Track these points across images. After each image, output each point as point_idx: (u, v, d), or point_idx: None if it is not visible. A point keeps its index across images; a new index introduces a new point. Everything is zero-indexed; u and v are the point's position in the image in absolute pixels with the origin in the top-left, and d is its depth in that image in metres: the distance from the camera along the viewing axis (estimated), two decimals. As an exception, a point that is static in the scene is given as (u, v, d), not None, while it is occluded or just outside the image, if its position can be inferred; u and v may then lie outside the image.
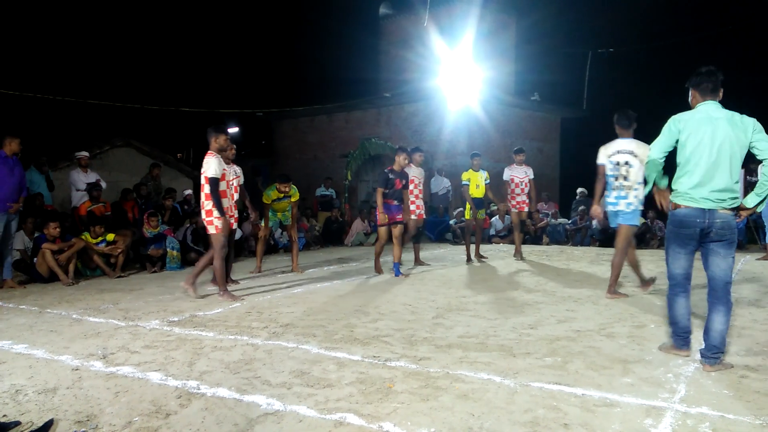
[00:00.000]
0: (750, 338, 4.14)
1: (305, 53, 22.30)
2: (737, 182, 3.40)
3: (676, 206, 3.51)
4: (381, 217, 7.35)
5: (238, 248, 9.23)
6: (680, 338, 3.67)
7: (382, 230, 7.47)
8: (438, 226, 12.86)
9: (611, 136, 5.62)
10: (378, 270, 7.71)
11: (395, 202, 7.39)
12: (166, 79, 24.05)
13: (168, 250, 8.73)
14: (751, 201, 3.44)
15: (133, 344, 4.34)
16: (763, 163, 3.38)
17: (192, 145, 21.85)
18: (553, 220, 12.52)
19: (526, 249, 10.55)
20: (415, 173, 8.19)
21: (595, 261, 8.85)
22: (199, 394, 3.26)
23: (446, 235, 12.66)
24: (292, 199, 8.14)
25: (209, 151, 5.96)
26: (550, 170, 17.96)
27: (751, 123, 3.42)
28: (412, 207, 8.10)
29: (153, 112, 16.81)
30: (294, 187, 8.15)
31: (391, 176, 7.32)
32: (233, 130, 21.44)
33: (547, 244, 11.77)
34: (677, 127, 3.52)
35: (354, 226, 12.96)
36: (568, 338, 4.27)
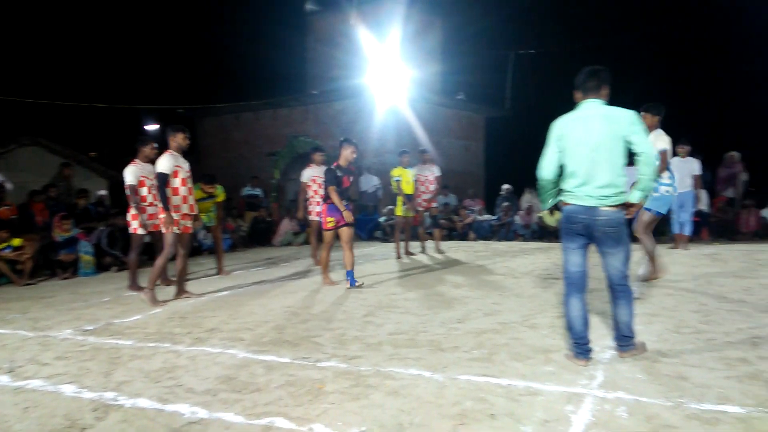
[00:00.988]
0: (660, 324, 4.41)
1: (229, 48, 21.66)
2: (622, 177, 3.34)
3: (565, 204, 3.50)
4: (328, 219, 6.53)
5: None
6: (577, 346, 3.50)
7: (329, 235, 6.60)
8: (368, 224, 12.90)
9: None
10: (328, 281, 6.73)
11: (344, 202, 6.62)
12: (79, 73, 22.67)
13: (81, 254, 8.23)
14: (635, 196, 3.38)
15: (44, 356, 4.05)
16: (638, 157, 3.32)
17: (108, 143, 20.75)
18: (478, 217, 12.86)
19: (453, 245, 10.77)
20: (317, 173, 8.21)
21: (518, 255, 9.16)
22: (116, 406, 3.09)
23: (376, 233, 12.72)
24: (218, 199, 7.91)
25: (167, 150, 5.92)
26: (476, 168, 18.44)
27: (626, 116, 3.35)
28: (318, 209, 8.10)
29: (64, 109, 15.80)
30: (220, 187, 7.92)
31: (339, 173, 6.57)
32: (153, 127, 20.54)
33: (474, 240, 12.08)
34: (556, 132, 3.50)
35: (282, 225, 12.76)
36: (494, 331, 4.38)
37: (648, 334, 4.14)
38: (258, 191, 14.11)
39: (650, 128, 5.74)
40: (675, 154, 9.32)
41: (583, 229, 3.40)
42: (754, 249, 9.15)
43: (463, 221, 12.67)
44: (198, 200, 7.58)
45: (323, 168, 8.39)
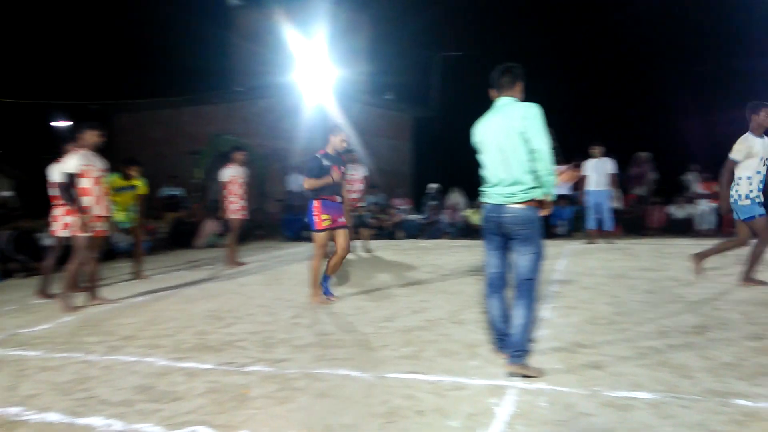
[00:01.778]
0: (577, 317, 4.61)
1: (147, 39, 20.62)
2: (529, 174, 3.21)
3: (484, 203, 3.43)
4: (318, 219, 5.38)
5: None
6: (499, 340, 3.49)
7: (322, 237, 5.42)
8: (295, 224, 12.72)
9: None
10: (319, 299, 5.48)
11: (338, 199, 5.48)
12: (-22, 64, 20.91)
13: (-18, 260, 7.59)
14: (540, 192, 3.25)
15: (-65, 373, 3.69)
16: (532, 153, 3.17)
17: (12, 142, 19.28)
18: (407, 215, 12.99)
19: (382, 244, 10.82)
20: (237, 172, 8.13)
21: (445, 253, 9.33)
22: (22, 421, 2.87)
23: (304, 233, 12.56)
24: (139, 191, 7.48)
25: (75, 148, 5.54)
26: (404, 167, 18.64)
27: (521, 109, 3.23)
28: (235, 206, 8.05)
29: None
30: (142, 179, 7.50)
31: (325, 162, 5.38)
32: (63, 124, 19.29)
33: (402, 238, 12.19)
34: (476, 136, 3.44)
35: (205, 226, 12.33)
36: (422, 328, 4.43)
37: (566, 326, 4.32)
38: (178, 191, 13.57)
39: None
40: (590, 155, 9.87)
41: (496, 228, 3.33)
42: (661, 243, 9.80)
43: (392, 220, 12.76)
44: (117, 190, 7.09)
45: (244, 168, 8.24)
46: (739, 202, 5.41)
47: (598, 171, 9.69)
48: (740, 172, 5.39)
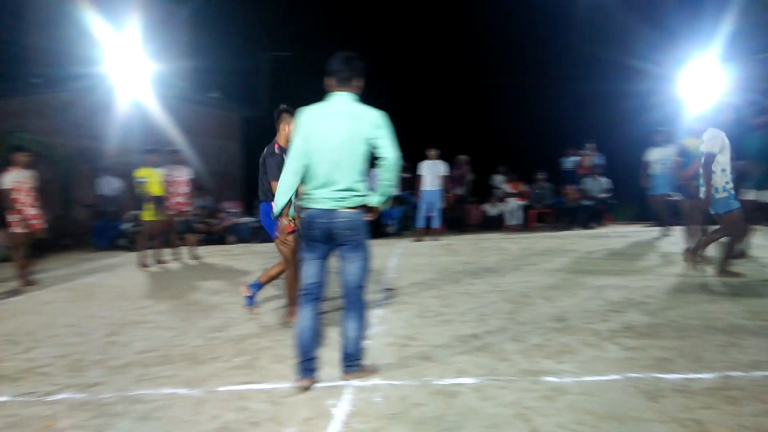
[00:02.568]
0: (407, 312, 4.81)
1: None
2: (362, 181, 3.08)
3: (305, 208, 3.17)
4: (285, 221, 3.96)
5: None
6: (300, 363, 3.14)
7: (290, 241, 4.44)
8: (109, 232, 11.55)
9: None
10: (294, 317, 4.31)
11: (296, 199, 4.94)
12: None
13: None
14: (375, 200, 3.13)
15: None
16: (382, 161, 3.06)
17: None
18: (237, 219, 12.54)
19: (211, 250, 10.31)
20: (21, 177, 6.96)
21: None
22: None
23: (119, 241, 11.46)
24: None
25: None
26: (233, 168, 17.96)
27: (372, 116, 3.06)
28: (19, 217, 6.88)
29: None
30: None
31: (284, 157, 4.33)
32: None
33: (233, 243, 11.73)
34: (303, 126, 3.11)
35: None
36: (256, 335, 4.27)
37: (398, 321, 4.48)
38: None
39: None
40: (426, 157, 10.47)
41: (323, 235, 3.09)
42: (478, 238, 10.71)
43: (221, 224, 12.22)
44: None
45: (31, 171, 7.09)
46: (717, 196, 5.45)
47: (432, 172, 10.33)
48: (715, 166, 5.48)
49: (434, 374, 3.24)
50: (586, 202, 11.82)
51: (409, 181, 13.02)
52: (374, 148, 3.06)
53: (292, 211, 3.94)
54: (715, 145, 5.43)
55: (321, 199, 3.07)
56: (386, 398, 2.94)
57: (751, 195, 6.25)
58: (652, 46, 12.45)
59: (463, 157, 13.03)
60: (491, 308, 4.76)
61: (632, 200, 11.61)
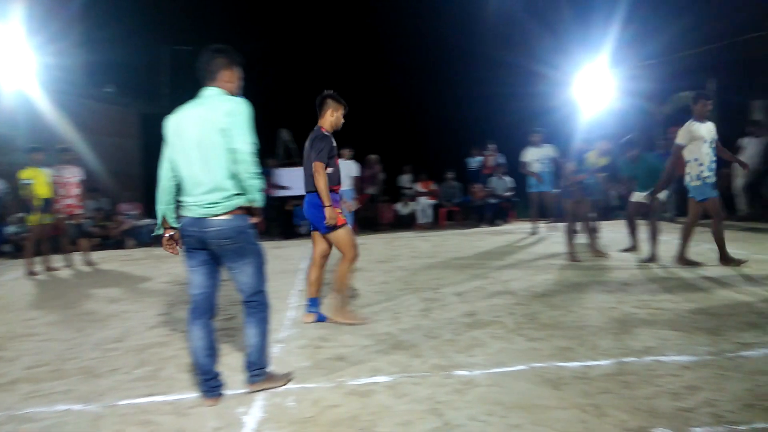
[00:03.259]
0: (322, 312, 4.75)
1: None
2: (230, 179, 2.78)
3: (181, 217, 2.94)
4: (332, 212, 4.12)
5: None
6: (202, 383, 2.94)
7: (347, 233, 4.27)
8: (-6, 236, 10.52)
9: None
10: (349, 318, 4.32)
11: (340, 189, 4.43)
12: None
13: None
14: (243, 200, 2.84)
15: None
16: (236, 153, 2.74)
17: None
18: (137, 222, 11.85)
19: (107, 255, 9.69)
20: None
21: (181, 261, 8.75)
22: None
23: (3, 247, 10.48)
24: None
25: None
26: (132, 168, 16.95)
27: (226, 104, 2.78)
28: None
29: None
30: None
31: (333, 144, 4.29)
32: None
33: (133, 247, 11.08)
34: (168, 129, 2.88)
35: None
36: (160, 344, 4.04)
37: (312, 323, 4.41)
38: None
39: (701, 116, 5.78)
40: (340, 156, 10.41)
41: (198, 244, 2.86)
42: (391, 237, 10.82)
43: (119, 227, 11.50)
44: None
45: None
46: (691, 184, 5.78)
47: (344, 172, 10.28)
48: (687, 156, 5.76)
49: (348, 375, 3.22)
50: (492, 200, 12.30)
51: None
52: (228, 138, 2.73)
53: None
54: (682, 136, 5.74)
55: (191, 207, 2.83)
56: (299, 402, 2.88)
57: (635, 197, 6.83)
58: (550, 51, 13.19)
59: (373, 157, 13.13)
60: (405, 306, 4.82)
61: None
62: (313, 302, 4.47)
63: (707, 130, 5.77)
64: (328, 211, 4.11)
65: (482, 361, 3.33)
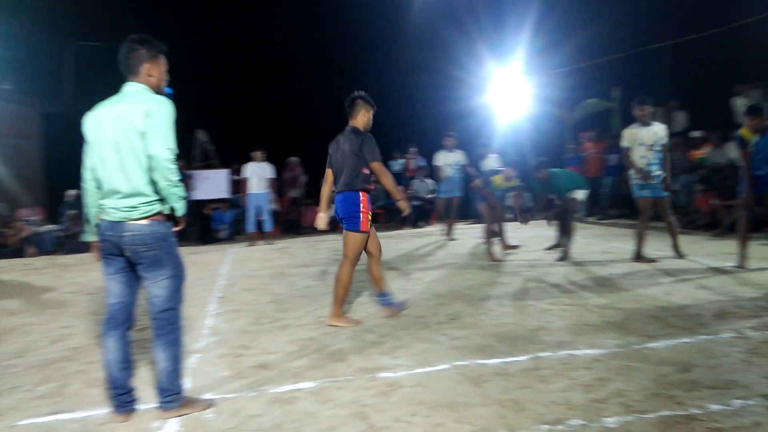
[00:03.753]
0: (242, 320, 4.61)
1: None
2: (150, 183, 2.62)
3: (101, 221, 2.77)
4: (365, 218, 4.24)
5: None
6: (114, 398, 2.77)
7: (362, 239, 4.31)
8: None
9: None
10: (345, 321, 4.31)
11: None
12: None
13: None
14: (165, 207, 2.69)
15: None
16: (151, 159, 2.57)
17: None
18: (38, 228, 11.03)
19: (5, 264, 8.97)
20: None
21: (91, 268, 8.24)
22: None
23: None
24: None
25: None
26: (32, 171, 15.72)
27: (145, 104, 2.59)
28: None
29: None
30: None
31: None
32: None
33: (34, 255, 10.29)
34: (86, 128, 2.73)
35: None
36: (66, 359, 3.77)
37: (231, 331, 4.28)
38: None
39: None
40: (251, 159, 10.13)
41: (115, 250, 2.69)
42: (315, 240, 10.72)
43: (19, 235, 10.65)
44: None
45: None
46: (631, 183, 6.27)
47: (258, 175, 10.04)
48: (633, 156, 6.12)
49: (271, 383, 3.14)
50: (414, 203, 12.48)
51: (237, 183, 12.61)
52: (146, 142, 2.56)
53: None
54: (624, 138, 6.18)
55: (109, 210, 2.67)
56: (219, 414, 2.77)
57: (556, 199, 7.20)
58: (468, 57, 13.59)
59: (294, 159, 12.98)
60: (328, 310, 4.76)
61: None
62: (383, 295, 4.51)
63: (650, 133, 6.07)
64: (402, 204, 4.58)
65: (406, 362, 3.35)
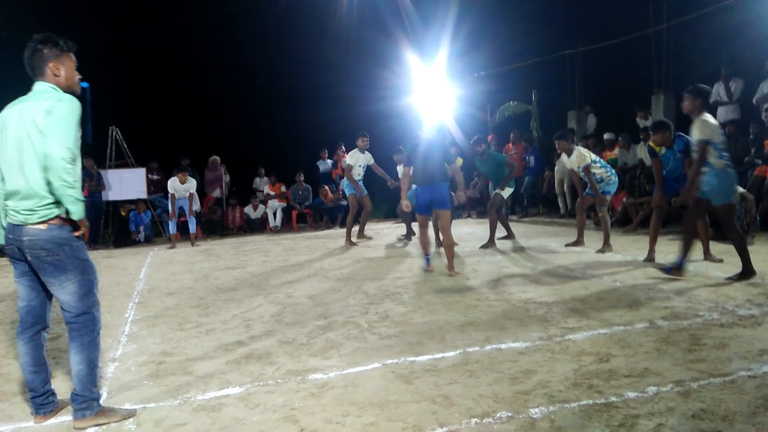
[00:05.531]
0: (164, 326, 4.41)
1: None
2: (48, 185, 2.50)
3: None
4: (407, 204, 6.32)
5: None
6: (31, 400, 2.75)
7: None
8: None
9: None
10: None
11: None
12: None
13: None
14: (62, 210, 2.57)
15: None
16: (46, 158, 2.46)
17: None
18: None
19: None
20: None
21: (4, 274, 7.63)
22: None
23: None
24: None
25: None
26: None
27: (47, 102, 2.52)
28: None
29: None
30: None
31: None
32: None
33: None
34: None
35: None
36: (-37, 374, 3.45)
37: (151, 336, 4.09)
38: None
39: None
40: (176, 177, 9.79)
41: (18, 253, 2.61)
42: (240, 241, 10.44)
43: None
44: None
45: None
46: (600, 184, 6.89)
47: (182, 190, 9.79)
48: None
49: (196, 390, 3.01)
50: (343, 202, 12.43)
51: (158, 183, 12.11)
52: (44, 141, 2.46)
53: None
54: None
55: (11, 212, 2.59)
56: (139, 424, 2.63)
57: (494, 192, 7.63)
58: (395, 59, 13.73)
59: (215, 158, 12.63)
60: (256, 312, 4.65)
61: (382, 199, 12.60)
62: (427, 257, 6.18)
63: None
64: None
65: (337, 362, 3.31)
